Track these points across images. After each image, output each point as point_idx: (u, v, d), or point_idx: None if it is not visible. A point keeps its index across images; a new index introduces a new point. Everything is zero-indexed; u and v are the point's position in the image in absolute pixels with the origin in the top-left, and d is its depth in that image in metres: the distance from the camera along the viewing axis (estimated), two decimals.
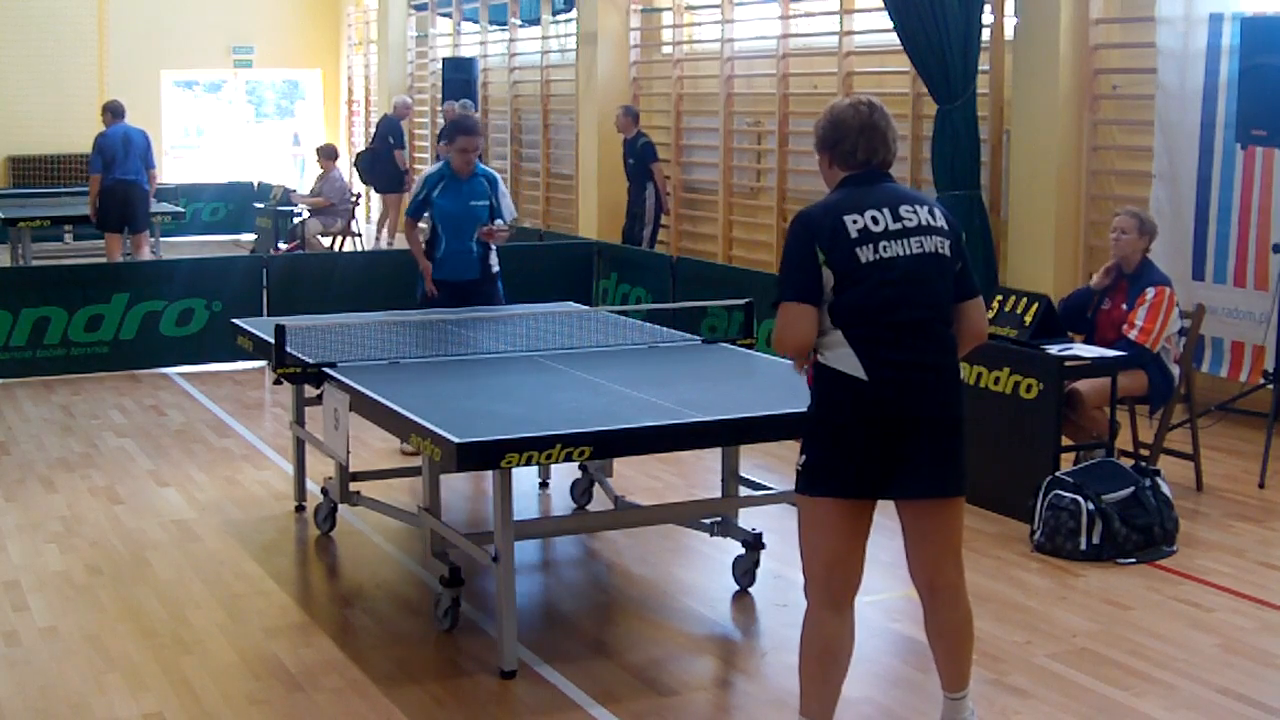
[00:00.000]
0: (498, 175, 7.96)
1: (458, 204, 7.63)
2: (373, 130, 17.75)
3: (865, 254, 3.88)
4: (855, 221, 3.91)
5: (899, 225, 3.93)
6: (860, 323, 3.90)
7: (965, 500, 4.15)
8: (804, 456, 4.00)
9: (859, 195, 3.98)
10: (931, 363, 3.95)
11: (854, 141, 4.01)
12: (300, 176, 22.93)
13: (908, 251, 3.92)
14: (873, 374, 3.87)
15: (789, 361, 4.11)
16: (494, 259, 7.81)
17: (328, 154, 15.73)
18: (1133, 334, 6.83)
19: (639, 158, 13.48)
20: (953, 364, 4.01)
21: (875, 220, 3.92)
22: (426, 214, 7.73)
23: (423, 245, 7.77)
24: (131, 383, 9.94)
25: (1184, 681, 4.84)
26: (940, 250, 3.98)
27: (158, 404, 9.29)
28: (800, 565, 4.10)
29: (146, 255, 13.14)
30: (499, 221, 7.71)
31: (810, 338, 3.91)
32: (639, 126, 13.59)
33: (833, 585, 4.00)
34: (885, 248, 3.90)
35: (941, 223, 4.02)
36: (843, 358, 3.90)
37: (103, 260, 12.81)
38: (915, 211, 3.98)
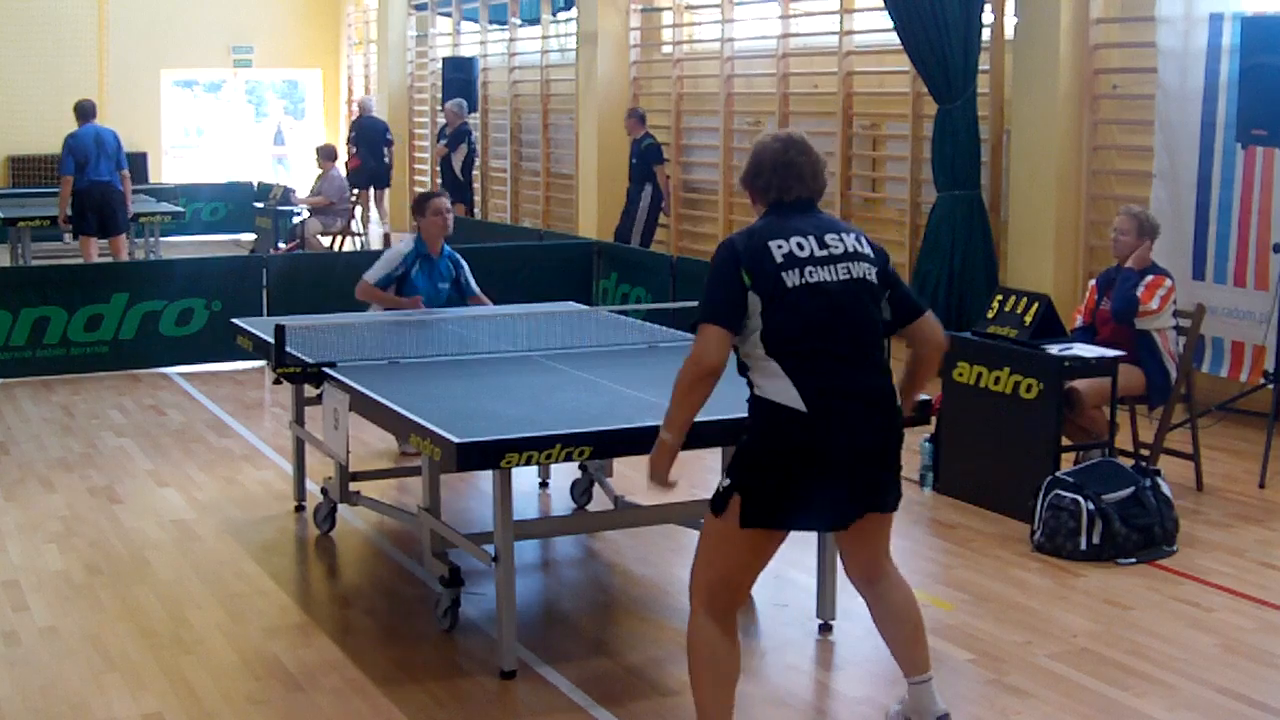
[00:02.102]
0: (460, 257, 7.89)
1: (431, 286, 7.63)
2: (351, 134, 17.49)
3: (791, 278, 3.88)
4: (780, 246, 3.91)
5: (825, 252, 3.94)
6: (793, 350, 3.88)
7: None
8: (728, 481, 3.97)
9: (782, 223, 3.99)
10: (867, 389, 3.95)
11: (768, 179, 4.04)
12: (274, 173, 22.87)
13: (835, 277, 3.93)
14: (810, 404, 3.85)
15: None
16: None
17: (327, 154, 15.72)
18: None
19: (641, 159, 13.52)
20: (888, 387, 4.02)
21: (801, 246, 3.92)
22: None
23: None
24: (131, 382, 9.93)
25: (1184, 681, 4.84)
26: (868, 276, 3.99)
27: (157, 404, 9.28)
28: (693, 567, 4.09)
29: (125, 258, 12.98)
30: (479, 294, 7.77)
31: (722, 361, 3.90)
32: (646, 128, 13.61)
33: (715, 602, 4.01)
34: (812, 273, 3.90)
35: (867, 250, 4.03)
36: (779, 390, 3.88)
37: (101, 260, 12.73)
38: (841, 239, 3.99)
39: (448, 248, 7.80)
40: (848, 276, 3.95)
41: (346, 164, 16.31)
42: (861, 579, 4.28)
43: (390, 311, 7.49)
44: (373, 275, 7.61)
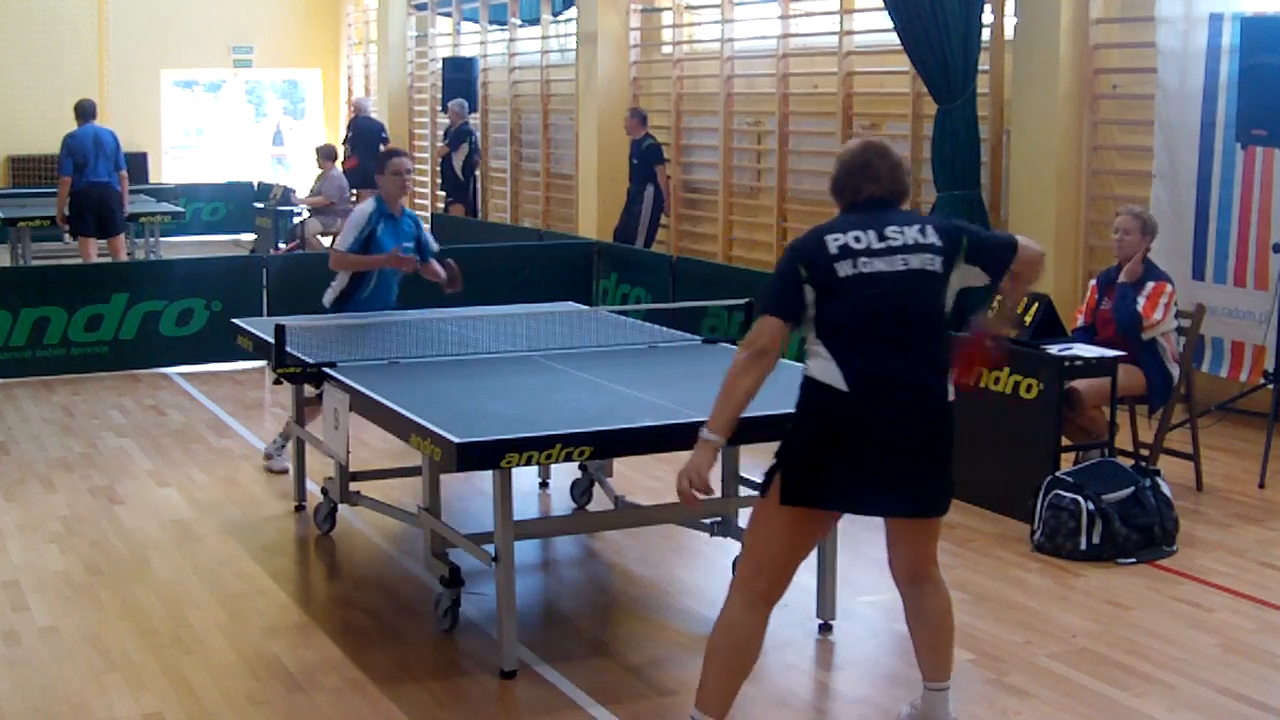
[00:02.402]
0: (418, 217, 7.78)
1: (396, 244, 7.41)
2: (348, 134, 17.50)
3: (844, 269, 3.96)
4: (836, 240, 4.01)
5: (883, 244, 4.01)
6: (842, 336, 3.96)
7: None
8: (774, 461, 4.06)
9: (846, 220, 4.09)
10: (914, 381, 3.97)
11: (844, 180, 4.14)
12: (274, 173, 22.88)
13: (892, 269, 3.98)
14: (853, 386, 3.92)
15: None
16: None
17: (327, 154, 15.73)
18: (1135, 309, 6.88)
19: (642, 159, 13.52)
20: (939, 384, 4.04)
21: (857, 239, 4.00)
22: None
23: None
24: (131, 383, 9.93)
25: (1184, 681, 4.84)
26: (929, 267, 4.01)
27: (157, 404, 9.28)
28: (741, 551, 4.21)
29: (124, 258, 12.98)
30: (433, 262, 7.53)
31: (773, 345, 3.98)
32: (646, 129, 13.61)
33: (756, 586, 4.06)
34: (866, 264, 3.97)
35: (933, 240, 4.05)
36: (825, 369, 3.96)
37: (100, 260, 12.72)
38: (902, 231, 4.04)
39: (405, 207, 7.67)
40: (905, 267, 3.99)
41: (343, 163, 16.32)
42: (904, 579, 4.29)
43: (388, 312, 7.47)
44: (344, 243, 7.36)
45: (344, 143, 17.40)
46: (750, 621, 4.05)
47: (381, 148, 16.73)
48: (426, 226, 7.79)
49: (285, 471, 7.34)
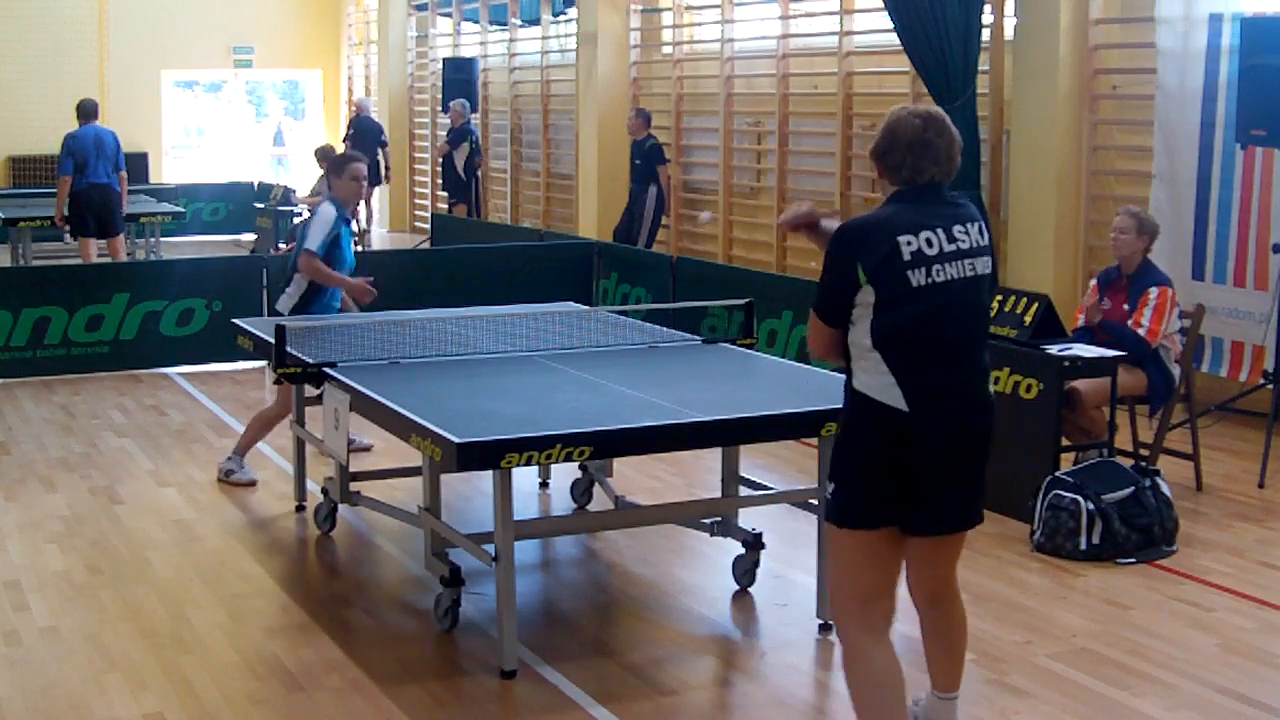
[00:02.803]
0: None
1: (349, 248, 7.41)
2: (349, 132, 17.55)
3: (917, 278, 3.71)
4: (909, 243, 3.72)
5: (954, 247, 3.77)
6: (903, 348, 3.73)
7: None
8: (833, 486, 3.88)
9: (913, 213, 3.78)
10: (970, 391, 3.85)
11: (901, 156, 3.82)
12: (274, 173, 22.87)
13: (961, 274, 3.78)
14: (914, 405, 3.72)
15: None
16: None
17: (326, 155, 15.72)
18: (1140, 332, 6.84)
19: (645, 159, 13.52)
20: (988, 390, 3.92)
21: (930, 242, 3.73)
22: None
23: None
24: (132, 383, 9.94)
25: (1184, 681, 4.84)
26: (985, 271, 3.86)
27: (158, 404, 9.29)
28: (831, 590, 4.02)
29: (124, 258, 12.99)
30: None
31: (831, 352, 3.85)
32: (649, 129, 13.62)
33: (870, 617, 3.87)
34: (939, 271, 3.74)
35: (986, 240, 3.88)
36: (883, 387, 3.74)
37: (101, 260, 12.73)
38: (968, 231, 3.82)
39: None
40: (972, 273, 3.81)
41: None
42: (926, 599, 4.11)
43: (387, 313, 7.46)
44: (315, 244, 7.20)
45: (344, 141, 17.42)
46: (881, 653, 3.86)
47: (380, 152, 16.82)
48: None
49: (253, 484, 7.29)
